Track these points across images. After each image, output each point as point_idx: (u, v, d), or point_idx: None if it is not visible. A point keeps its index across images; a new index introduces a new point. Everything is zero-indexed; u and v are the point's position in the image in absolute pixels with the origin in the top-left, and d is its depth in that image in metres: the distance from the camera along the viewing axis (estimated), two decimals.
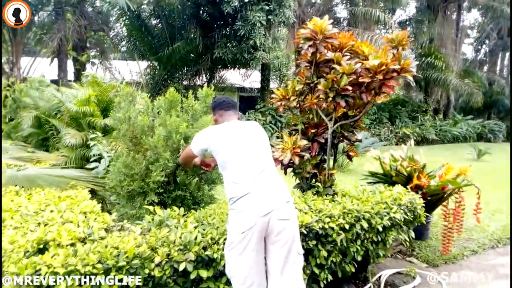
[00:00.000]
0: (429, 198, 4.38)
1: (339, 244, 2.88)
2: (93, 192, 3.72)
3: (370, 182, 4.94)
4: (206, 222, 2.56)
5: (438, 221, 5.21)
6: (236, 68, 15.45)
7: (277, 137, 14.64)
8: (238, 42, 12.38)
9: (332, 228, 2.83)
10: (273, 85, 17.02)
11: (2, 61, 12.70)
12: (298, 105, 3.48)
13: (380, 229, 3.13)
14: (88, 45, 14.89)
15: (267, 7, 11.94)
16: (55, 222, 2.35)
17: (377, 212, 3.18)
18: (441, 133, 20.38)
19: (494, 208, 6.22)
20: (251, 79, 18.37)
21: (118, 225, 2.42)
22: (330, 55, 3.39)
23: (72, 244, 2.10)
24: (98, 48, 15.88)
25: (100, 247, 2.05)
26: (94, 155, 4.07)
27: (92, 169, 4.12)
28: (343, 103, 3.21)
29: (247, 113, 15.38)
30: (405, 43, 3.31)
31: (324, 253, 2.81)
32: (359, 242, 3.06)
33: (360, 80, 3.22)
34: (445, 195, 4.48)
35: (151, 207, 2.55)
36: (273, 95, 3.61)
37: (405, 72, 3.23)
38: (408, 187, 4.19)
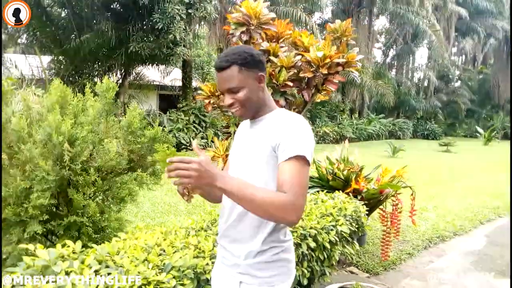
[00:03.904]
0: (366, 202, 4.13)
1: None
2: None
3: None
4: (112, 262, 1.87)
5: (371, 223, 5.04)
6: (155, 65, 14.39)
7: (202, 138, 13.93)
8: (156, 36, 11.42)
9: None
10: (195, 83, 16.24)
11: None
12: None
13: (328, 246, 2.72)
14: None
15: (187, 0, 11.18)
16: None
17: (323, 227, 2.76)
18: (358, 131, 21.45)
19: (420, 207, 6.23)
20: (172, 76, 17.37)
21: None
22: (265, 45, 2.90)
23: None
24: None
25: None
26: None
27: None
28: (282, 102, 2.73)
29: (168, 112, 14.41)
30: (349, 33, 2.94)
31: None
32: (305, 264, 2.60)
33: (301, 75, 2.77)
34: (383, 198, 4.27)
35: (29, 246, 1.80)
36: (199, 92, 3.00)
37: (349, 66, 2.85)
38: (346, 192, 3.91)
